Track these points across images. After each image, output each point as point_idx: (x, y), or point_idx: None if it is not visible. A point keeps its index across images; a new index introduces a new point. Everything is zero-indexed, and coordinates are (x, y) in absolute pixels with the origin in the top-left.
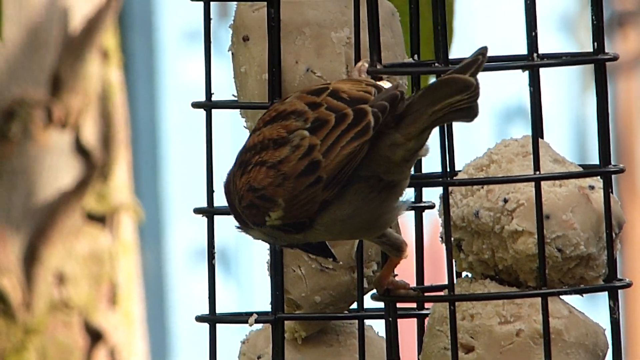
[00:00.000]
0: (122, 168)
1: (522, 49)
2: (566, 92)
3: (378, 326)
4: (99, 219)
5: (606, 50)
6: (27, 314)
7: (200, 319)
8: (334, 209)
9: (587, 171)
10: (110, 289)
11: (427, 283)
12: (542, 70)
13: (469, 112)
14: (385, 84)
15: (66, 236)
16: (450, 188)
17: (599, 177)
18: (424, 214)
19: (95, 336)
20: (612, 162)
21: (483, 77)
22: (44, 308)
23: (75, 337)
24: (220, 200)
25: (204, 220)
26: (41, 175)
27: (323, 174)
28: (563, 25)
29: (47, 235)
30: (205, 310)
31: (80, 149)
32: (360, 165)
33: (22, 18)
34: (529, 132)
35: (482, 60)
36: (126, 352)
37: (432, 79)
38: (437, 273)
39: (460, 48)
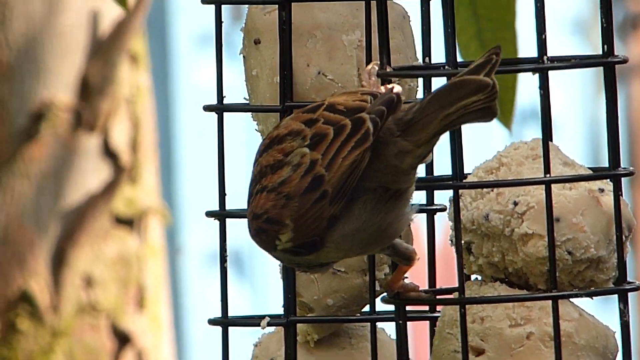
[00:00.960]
0: (150, 171)
1: (532, 52)
2: (580, 95)
3: (390, 329)
4: (127, 222)
5: (619, 52)
6: (54, 317)
7: (213, 322)
8: (342, 224)
9: (597, 174)
10: (138, 292)
11: (438, 285)
12: (555, 73)
13: (487, 112)
14: (396, 87)
15: (94, 239)
16: (460, 191)
17: (608, 180)
18: (435, 216)
19: (122, 339)
20: (624, 165)
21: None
22: (72, 311)
23: (103, 340)
24: (232, 203)
25: (216, 223)
26: (69, 178)
27: (328, 188)
28: (577, 29)
29: (75, 238)
30: (218, 313)
31: (109, 153)
32: (366, 176)
33: (52, 21)
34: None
35: (496, 60)
36: (153, 355)
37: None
38: (448, 276)
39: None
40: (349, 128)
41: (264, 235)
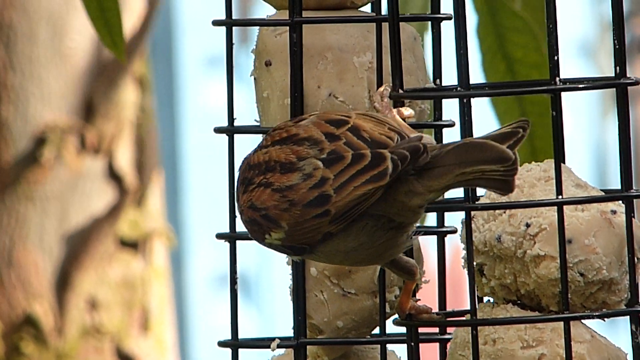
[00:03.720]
0: (154, 194)
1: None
2: (586, 118)
3: (400, 351)
4: (132, 245)
5: (628, 75)
6: (59, 340)
7: (222, 344)
8: (337, 241)
9: (610, 195)
10: (142, 314)
11: (449, 308)
12: (562, 96)
13: (504, 186)
14: (407, 110)
15: (99, 262)
16: (472, 213)
17: (620, 202)
18: (445, 238)
19: None
20: (634, 186)
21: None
22: (76, 333)
23: None
24: (242, 225)
25: (224, 246)
26: (74, 200)
27: (332, 209)
28: (583, 51)
29: (80, 261)
30: (222, 335)
31: (113, 175)
32: (372, 204)
33: (56, 43)
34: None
35: (523, 135)
36: None
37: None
38: (458, 298)
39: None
40: (367, 160)
41: (256, 226)
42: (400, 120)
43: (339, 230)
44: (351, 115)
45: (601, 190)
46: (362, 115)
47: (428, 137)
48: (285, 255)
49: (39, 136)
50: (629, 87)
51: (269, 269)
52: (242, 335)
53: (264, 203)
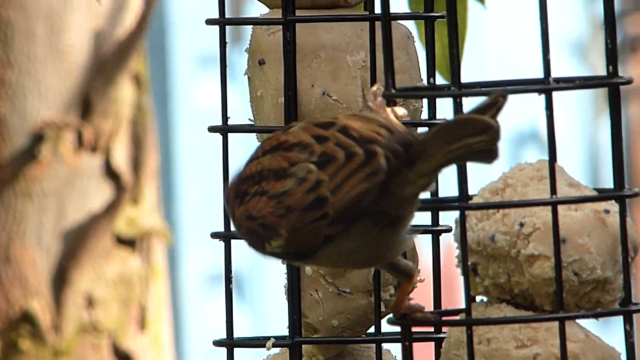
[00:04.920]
0: (151, 192)
1: (532, 74)
2: (579, 117)
3: (395, 350)
4: (129, 243)
5: (620, 74)
6: (56, 337)
7: (217, 343)
8: (338, 243)
9: (603, 195)
10: (139, 312)
11: (443, 307)
12: (555, 95)
13: (489, 155)
14: (400, 110)
15: (96, 259)
16: (466, 212)
17: (613, 201)
18: (440, 237)
19: (124, 359)
20: (626, 186)
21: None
22: (73, 331)
23: None
24: None
25: (218, 245)
26: (71, 198)
27: (330, 211)
28: (575, 50)
29: (77, 258)
30: (217, 334)
31: (111, 173)
32: (368, 202)
33: (53, 40)
34: (542, 157)
35: (503, 102)
36: None
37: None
38: (452, 297)
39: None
40: (361, 158)
41: (254, 236)
42: (394, 118)
43: (339, 232)
44: (339, 117)
45: (594, 189)
46: (350, 115)
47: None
48: None
49: (36, 133)
50: (623, 86)
51: (263, 268)
52: (236, 334)
53: (260, 211)
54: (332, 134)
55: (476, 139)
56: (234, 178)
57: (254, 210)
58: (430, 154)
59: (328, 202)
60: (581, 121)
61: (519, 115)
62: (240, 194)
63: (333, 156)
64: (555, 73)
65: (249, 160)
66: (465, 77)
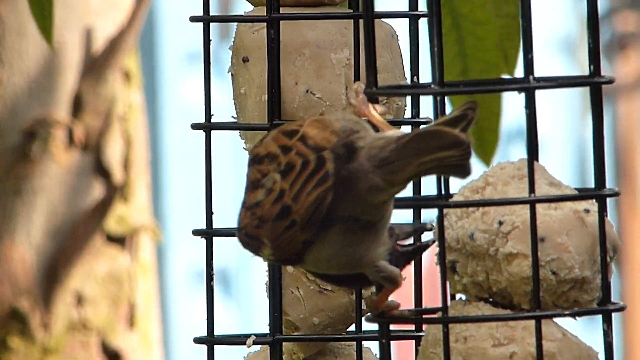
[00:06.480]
0: (141, 189)
1: (517, 72)
2: (566, 115)
3: (376, 348)
4: (119, 240)
5: (606, 72)
6: (45, 334)
7: (198, 340)
8: (316, 250)
9: (582, 194)
10: (129, 310)
11: (424, 305)
12: (542, 93)
13: (461, 170)
14: (380, 108)
15: (86, 257)
16: (445, 210)
17: (594, 201)
18: (421, 235)
19: (113, 357)
20: (613, 184)
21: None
22: (62, 328)
23: (93, 358)
24: (219, 221)
25: (202, 241)
26: (61, 195)
27: (297, 218)
28: (564, 48)
29: (67, 256)
30: (203, 331)
31: (101, 170)
32: (338, 206)
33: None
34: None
35: (472, 116)
36: None
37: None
38: (434, 295)
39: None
40: (312, 165)
41: (247, 246)
42: (378, 116)
43: (315, 237)
44: (303, 124)
45: (575, 189)
46: (314, 120)
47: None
48: None
49: (27, 131)
50: (611, 84)
51: (248, 264)
52: (220, 331)
53: (241, 222)
54: (294, 143)
55: (447, 153)
56: None
57: (240, 221)
58: (403, 164)
59: (292, 210)
60: (568, 119)
61: (506, 112)
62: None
63: (293, 165)
64: (543, 70)
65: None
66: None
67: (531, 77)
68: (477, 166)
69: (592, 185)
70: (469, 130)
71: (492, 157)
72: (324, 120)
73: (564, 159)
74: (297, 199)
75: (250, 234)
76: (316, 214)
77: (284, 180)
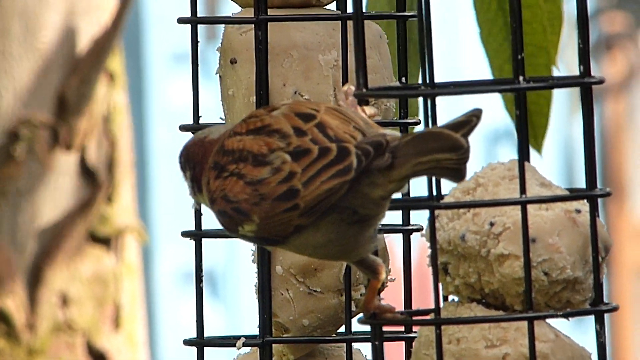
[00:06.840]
0: (126, 190)
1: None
2: (554, 116)
3: (366, 349)
4: (104, 241)
5: (594, 73)
6: (30, 335)
7: (188, 342)
8: (307, 235)
9: (573, 195)
10: (114, 311)
11: (415, 306)
12: (530, 93)
13: (456, 174)
14: (370, 109)
15: (71, 258)
16: (436, 211)
17: (585, 201)
18: (411, 237)
19: (98, 358)
20: (601, 185)
21: (473, 99)
22: (48, 329)
23: (79, 359)
24: (208, 223)
25: (191, 243)
26: (46, 196)
27: (301, 203)
28: None
29: (52, 257)
30: (191, 332)
31: (86, 171)
32: (340, 196)
33: (29, 38)
34: (516, 154)
35: (476, 123)
36: None
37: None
38: (424, 296)
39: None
40: (333, 154)
41: (227, 218)
42: (367, 117)
43: (309, 223)
44: (320, 109)
45: (566, 189)
46: (331, 109)
47: (394, 133)
48: (252, 252)
49: (11, 131)
50: (601, 84)
51: (236, 266)
52: (210, 332)
53: (236, 196)
54: (310, 128)
55: (445, 155)
56: (205, 139)
57: (230, 192)
58: (401, 162)
59: (299, 194)
60: (556, 120)
61: (494, 112)
62: (219, 167)
63: (308, 149)
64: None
65: (231, 131)
66: (440, 77)
67: (521, 77)
68: (468, 167)
69: (580, 185)
70: (469, 135)
71: (542, 142)
72: (344, 113)
73: (550, 159)
74: (308, 185)
75: (240, 209)
76: (323, 203)
77: (296, 162)
